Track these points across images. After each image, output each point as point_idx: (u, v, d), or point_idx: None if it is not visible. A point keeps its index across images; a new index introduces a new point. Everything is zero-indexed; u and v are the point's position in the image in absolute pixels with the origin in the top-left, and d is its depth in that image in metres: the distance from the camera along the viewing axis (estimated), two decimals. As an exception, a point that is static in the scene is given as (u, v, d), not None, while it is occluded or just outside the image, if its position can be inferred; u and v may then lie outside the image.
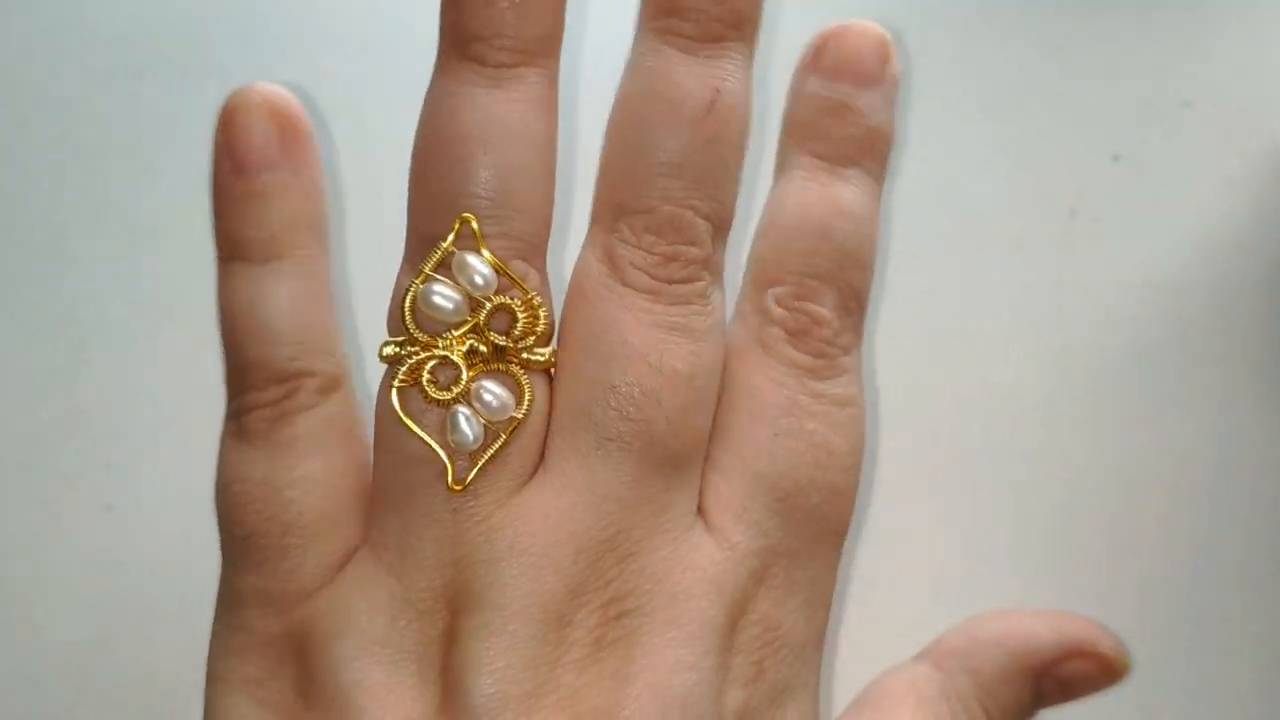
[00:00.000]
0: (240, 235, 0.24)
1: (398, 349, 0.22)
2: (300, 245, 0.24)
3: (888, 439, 0.37)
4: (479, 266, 0.22)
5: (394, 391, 0.22)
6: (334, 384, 0.23)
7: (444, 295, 0.22)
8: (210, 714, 0.21)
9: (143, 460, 0.38)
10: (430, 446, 0.21)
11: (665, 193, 0.23)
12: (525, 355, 0.22)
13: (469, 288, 0.22)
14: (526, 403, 0.22)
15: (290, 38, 0.48)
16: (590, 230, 0.24)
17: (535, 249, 0.23)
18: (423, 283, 0.22)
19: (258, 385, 0.23)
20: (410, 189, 0.23)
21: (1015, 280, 0.40)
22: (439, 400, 0.22)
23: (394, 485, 0.22)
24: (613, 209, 0.23)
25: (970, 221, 0.41)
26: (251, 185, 0.24)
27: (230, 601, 0.22)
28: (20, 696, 0.34)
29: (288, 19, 0.49)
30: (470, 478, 0.21)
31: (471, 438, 0.21)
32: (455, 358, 0.22)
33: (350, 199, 0.44)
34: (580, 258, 0.24)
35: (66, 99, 0.47)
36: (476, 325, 0.22)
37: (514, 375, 0.22)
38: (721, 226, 0.24)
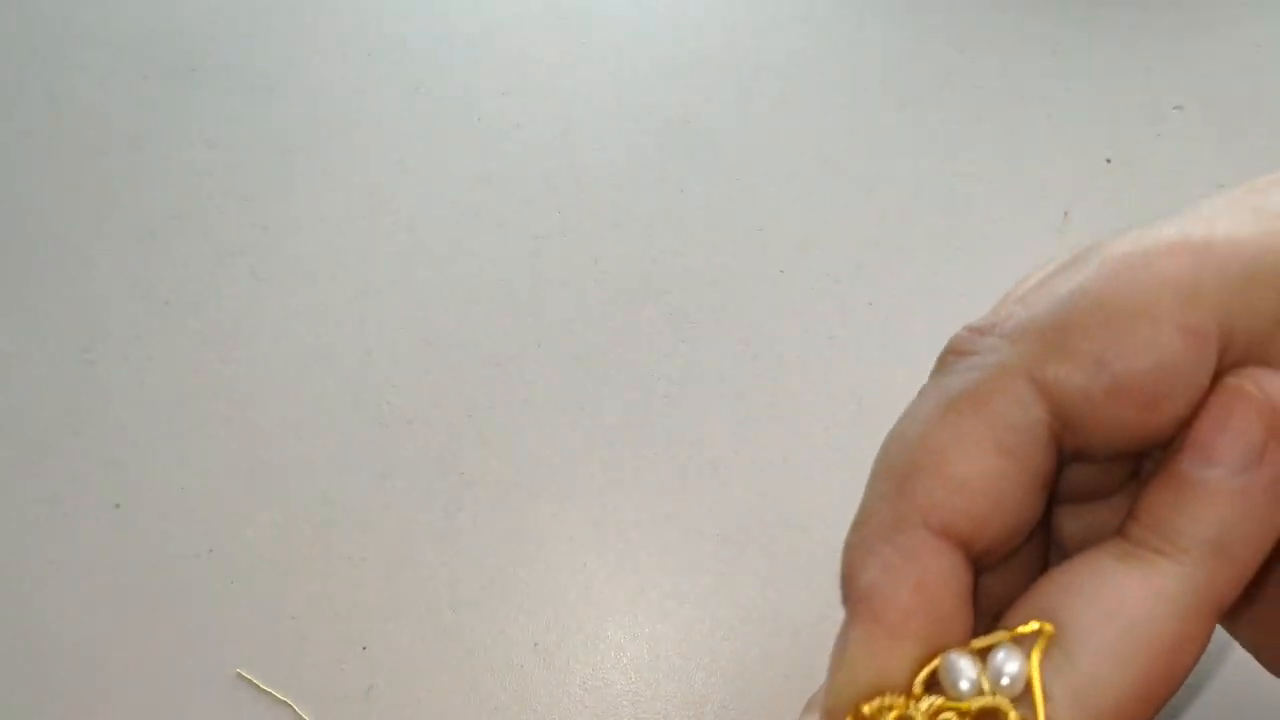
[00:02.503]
0: None
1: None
2: None
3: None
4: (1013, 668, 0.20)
5: None
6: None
7: (968, 677, 0.20)
8: None
9: (149, 459, 0.38)
10: None
11: None
12: None
13: (992, 681, 0.20)
14: None
15: (291, 39, 0.49)
16: None
17: None
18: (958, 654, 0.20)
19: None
20: None
21: (1011, 281, 0.40)
22: None
23: None
24: None
25: (966, 223, 0.42)
26: None
27: None
28: (27, 691, 0.34)
29: (288, 20, 0.49)
30: None
31: None
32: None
33: (351, 199, 0.44)
34: None
35: (68, 100, 0.47)
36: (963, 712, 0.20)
37: None
38: None
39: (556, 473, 0.37)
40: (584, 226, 0.43)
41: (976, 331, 0.20)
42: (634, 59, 0.47)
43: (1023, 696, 0.19)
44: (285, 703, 0.34)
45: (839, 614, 0.20)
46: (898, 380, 0.38)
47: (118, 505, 0.37)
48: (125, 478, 0.38)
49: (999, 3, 0.47)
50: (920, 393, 0.20)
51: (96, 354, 0.40)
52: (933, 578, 0.19)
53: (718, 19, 0.48)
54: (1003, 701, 0.19)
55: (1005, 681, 0.19)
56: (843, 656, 0.20)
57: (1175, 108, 0.43)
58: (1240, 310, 0.18)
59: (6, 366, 0.40)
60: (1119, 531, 0.19)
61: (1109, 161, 0.42)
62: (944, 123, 0.44)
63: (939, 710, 0.19)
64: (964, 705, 0.19)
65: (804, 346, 0.39)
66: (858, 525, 0.20)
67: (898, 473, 0.19)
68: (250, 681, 0.34)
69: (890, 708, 0.20)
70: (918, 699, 0.20)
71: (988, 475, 0.19)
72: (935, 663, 0.20)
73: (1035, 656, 0.19)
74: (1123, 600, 0.18)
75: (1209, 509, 0.18)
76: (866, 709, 0.20)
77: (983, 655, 0.19)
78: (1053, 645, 0.18)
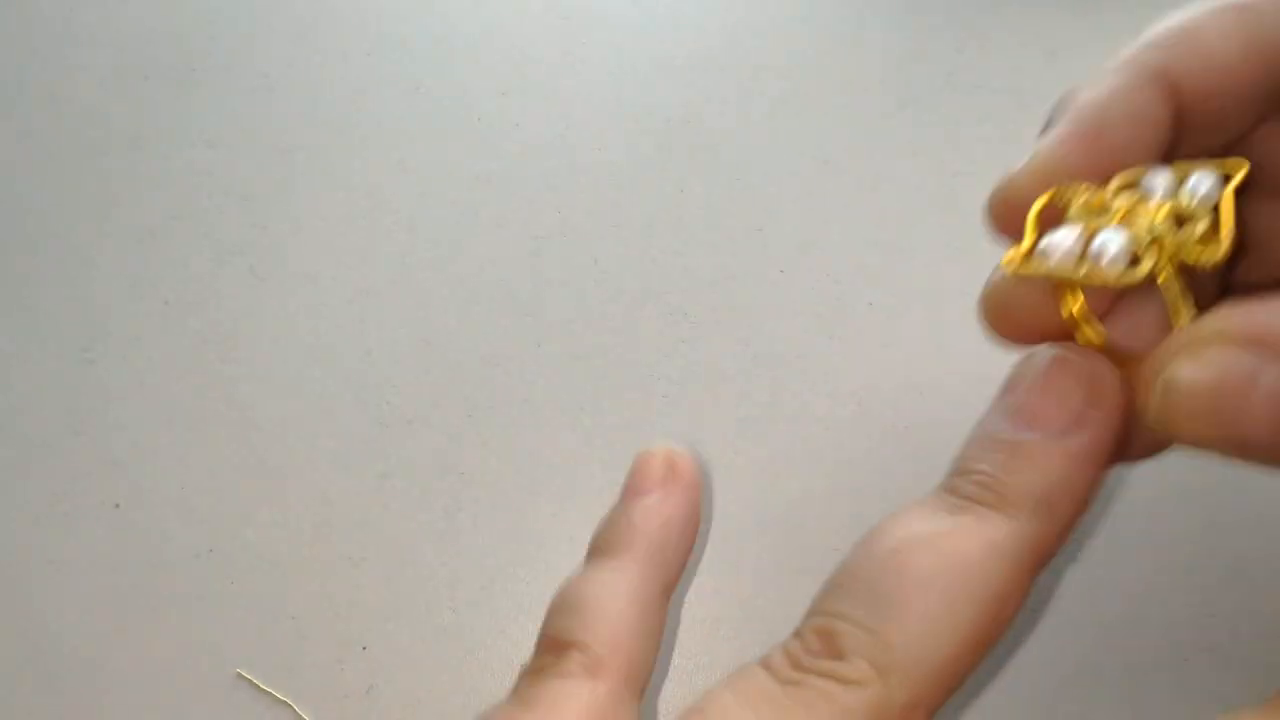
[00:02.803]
0: (595, 540, 0.25)
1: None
2: (634, 549, 0.24)
3: (889, 441, 0.37)
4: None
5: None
6: (600, 669, 0.21)
7: (1165, 185, 0.21)
8: None
9: (149, 459, 0.38)
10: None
11: None
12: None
13: (1187, 195, 0.20)
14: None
15: (291, 39, 0.49)
16: None
17: None
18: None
19: (536, 651, 0.22)
20: None
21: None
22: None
23: None
24: None
25: (966, 223, 0.42)
26: (627, 501, 0.25)
27: None
28: (27, 691, 0.34)
29: (288, 21, 0.49)
30: None
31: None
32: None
33: (351, 199, 0.44)
34: None
35: (69, 100, 0.47)
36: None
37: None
38: None
39: (556, 473, 0.37)
40: (584, 226, 0.43)
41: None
42: (634, 59, 0.47)
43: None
44: (285, 703, 0.34)
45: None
46: (898, 380, 0.38)
47: (118, 505, 0.37)
48: (125, 478, 0.38)
49: (999, 3, 0.47)
50: None
51: (96, 354, 0.40)
52: (1150, 118, 0.21)
53: (718, 19, 0.48)
54: (1199, 209, 0.20)
55: (1196, 199, 0.20)
56: (1039, 147, 0.22)
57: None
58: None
59: (6, 366, 0.40)
60: (944, 485, 0.20)
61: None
62: (944, 123, 0.44)
63: (1135, 205, 0.20)
64: (1163, 206, 0.20)
65: (804, 346, 0.39)
66: (1092, 72, 0.22)
67: (1152, 37, 0.22)
68: (250, 681, 0.34)
69: (1086, 192, 0.20)
70: (1115, 192, 0.20)
71: (1230, 60, 0.21)
72: (1133, 172, 0.21)
73: (1231, 185, 0.20)
74: (957, 550, 0.18)
75: (1035, 468, 0.19)
76: (1065, 192, 0.21)
77: (1179, 179, 0.21)
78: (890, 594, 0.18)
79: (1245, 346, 0.17)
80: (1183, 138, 0.22)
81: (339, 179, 0.44)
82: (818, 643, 0.19)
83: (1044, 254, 0.20)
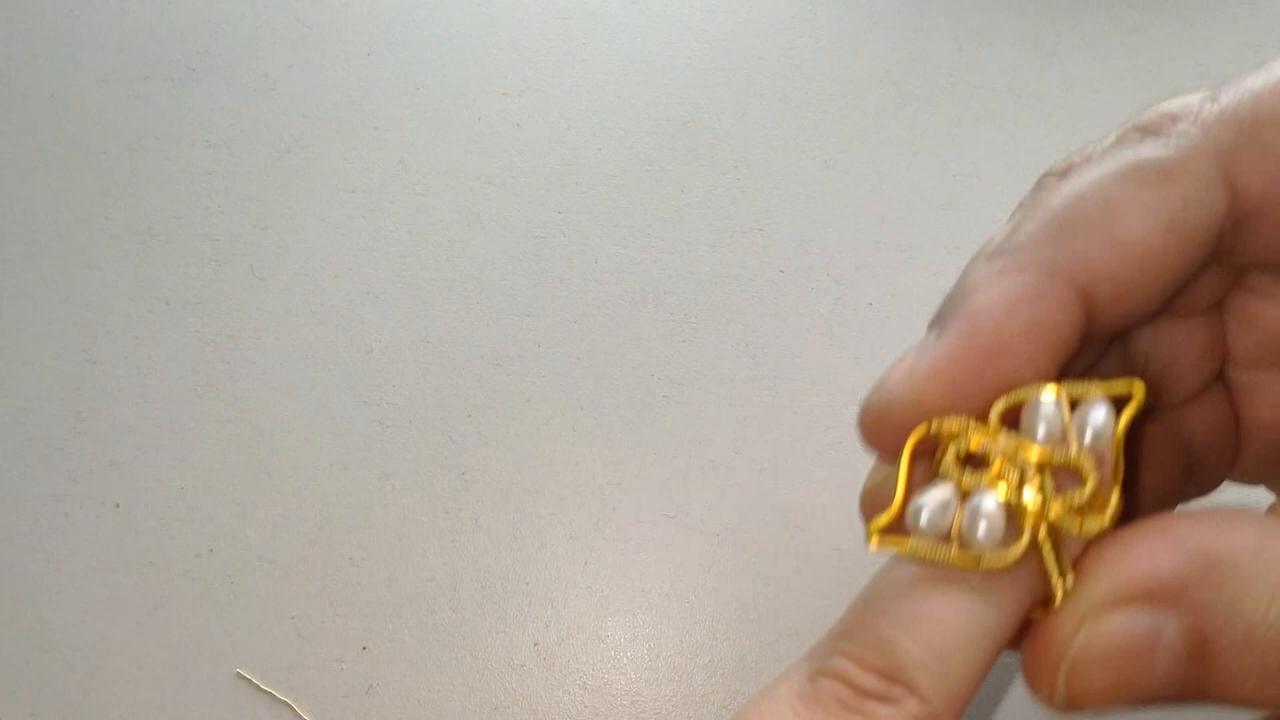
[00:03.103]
0: None
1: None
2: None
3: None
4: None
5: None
6: None
7: (1050, 421, 0.18)
8: None
9: (149, 459, 0.38)
10: None
11: None
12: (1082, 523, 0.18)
13: (1076, 430, 0.19)
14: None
15: (291, 39, 0.49)
16: None
17: None
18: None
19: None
20: None
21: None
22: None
23: None
24: None
25: (966, 223, 0.42)
26: None
27: None
28: (28, 691, 0.34)
29: (288, 22, 0.49)
30: None
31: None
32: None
33: (351, 199, 0.44)
34: None
35: (69, 100, 0.47)
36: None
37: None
38: None
39: (556, 473, 0.37)
40: (584, 226, 0.43)
41: (1168, 116, 0.20)
42: (634, 59, 0.47)
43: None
44: (285, 703, 0.34)
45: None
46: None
47: (118, 505, 0.37)
48: (125, 478, 0.38)
49: (999, 3, 0.47)
50: (1094, 158, 0.20)
51: (97, 354, 0.40)
52: (1051, 331, 0.18)
53: (718, 19, 0.48)
54: (1086, 462, 0.18)
55: (1086, 441, 0.18)
56: (923, 355, 0.19)
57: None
58: None
59: (7, 366, 0.40)
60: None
61: (1109, 161, 0.42)
62: (944, 123, 0.44)
63: (1017, 451, 0.18)
64: (1047, 454, 0.18)
65: (804, 346, 0.39)
66: (996, 250, 0.19)
67: (1060, 217, 0.19)
68: (250, 681, 0.34)
69: (964, 433, 0.18)
70: (994, 433, 0.18)
71: (1151, 250, 0.18)
72: (1019, 393, 0.18)
73: (1126, 416, 0.18)
74: None
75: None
76: (942, 427, 0.19)
77: (1071, 404, 0.19)
78: None
79: (1140, 604, 0.16)
80: (1090, 333, 0.19)
81: (339, 179, 0.44)
82: None
83: (912, 523, 0.18)
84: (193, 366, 0.40)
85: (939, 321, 0.19)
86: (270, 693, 0.34)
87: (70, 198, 0.44)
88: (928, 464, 0.19)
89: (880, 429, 0.19)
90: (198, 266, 0.42)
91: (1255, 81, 0.19)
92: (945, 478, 0.19)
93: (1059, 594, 0.18)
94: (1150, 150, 0.19)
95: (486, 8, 0.49)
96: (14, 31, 0.49)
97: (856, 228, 0.42)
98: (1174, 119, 0.19)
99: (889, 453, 0.19)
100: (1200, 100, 0.20)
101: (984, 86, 0.44)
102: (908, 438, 0.19)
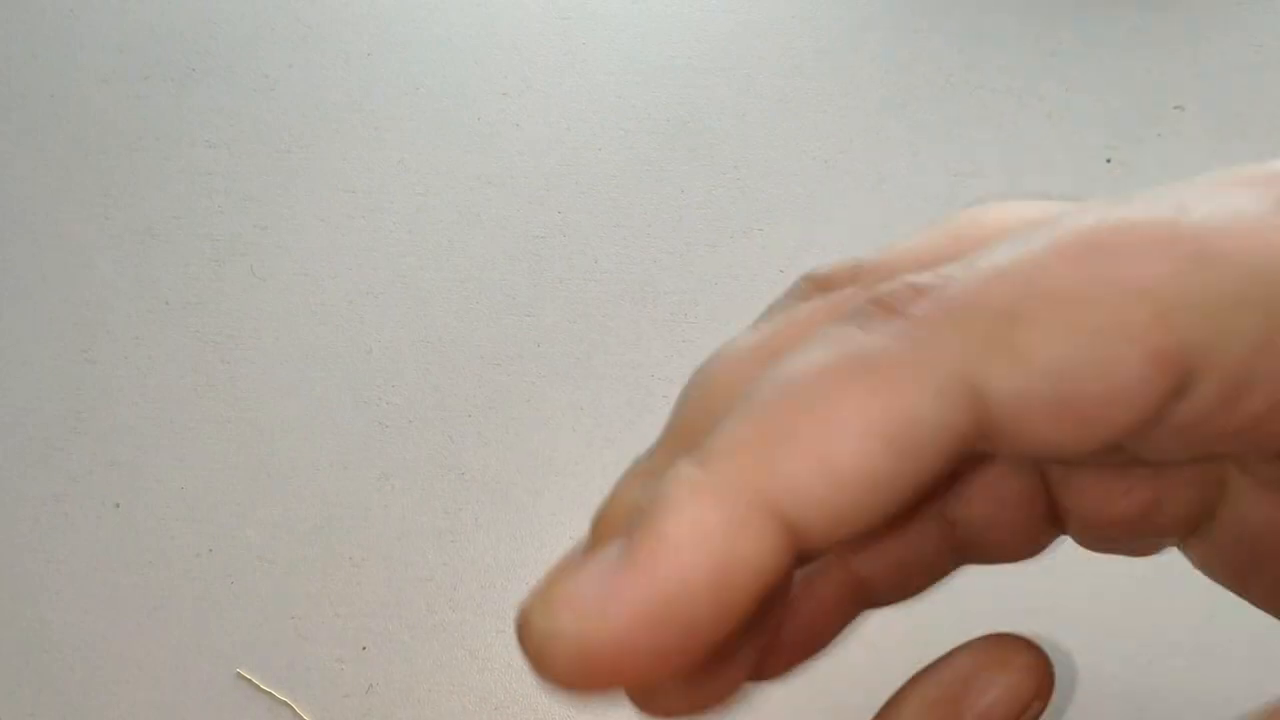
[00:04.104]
0: None
1: None
2: None
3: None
4: None
5: None
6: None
7: None
8: None
9: (149, 459, 0.38)
10: None
11: None
12: None
13: None
14: None
15: (291, 39, 0.49)
16: None
17: None
18: None
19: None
20: None
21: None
22: None
23: None
24: None
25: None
26: None
27: None
28: (28, 690, 0.34)
29: (289, 22, 0.49)
30: None
31: None
32: None
33: (351, 199, 0.44)
34: None
35: (69, 100, 0.47)
36: None
37: None
38: None
39: (556, 473, 0.37)
40: (584, 226, 0.43)
41: (914, 290, 0.15)
42: (634, 59, 0.47)
43: None
44: (285, 703, 0.34)
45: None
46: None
47: (118, 505, 0.37)
48: (125, 478, 0.38)
49: (999, 3, 0.47)
50: (822, 333, 0.16)
51: (97, 354, 0.40)
52: (746, 570, 0.14)
53: (718, 19, 0.48)
54: None
55: None
56: (592, 578, 0.14)
57: (1175, 108, 0.43)
58: (1223, 331, 0.14)
59: (7, 366, 0.40)
60: None
61: (1109, 161, 0.42)
62: (944, 123, 0.44)
63: None
64: None
65: (804, 346, 0.39)
66: (704, 454, 0.15)
67: (769, 425, 0.15)
68: (250, 681, 0.34)
69: None
70: None
71: (867, 475, 0.15)
72: None
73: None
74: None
75: None
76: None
77: None
78: None
79: None
80: (803, 557, 0.17)
81: (339, 179, 0.44)
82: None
83: None
84: (193, 366, 0.40)
85: (623, 530, 0.16)
86: (270, 693, 0.34)
87: (70, 198, 0.44)
88: None
89: (544, 663, 0.15)
90: (198, 266, 0.42)
91: (1010, 261, 0.15)
92: None
93: None
94: (877, 342, 0.15)
95: (486, 8, 0.49)
96: (14, 31, 0.49)
97: (856, 228, 0.42)
98: (916, 294, 0.16)
99: (559, 688, 0.15)
100: (948, 271, 0.16)
101: (984, 86, 0.44)
102: (575, 679, 0.14)
